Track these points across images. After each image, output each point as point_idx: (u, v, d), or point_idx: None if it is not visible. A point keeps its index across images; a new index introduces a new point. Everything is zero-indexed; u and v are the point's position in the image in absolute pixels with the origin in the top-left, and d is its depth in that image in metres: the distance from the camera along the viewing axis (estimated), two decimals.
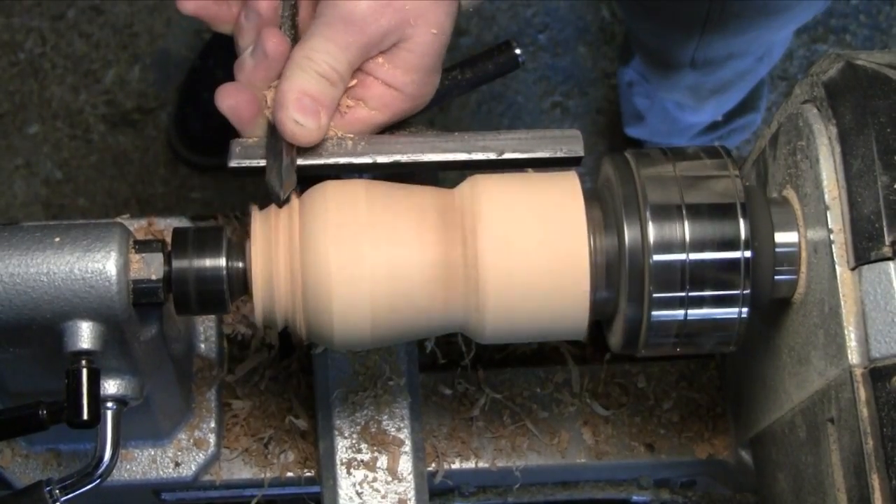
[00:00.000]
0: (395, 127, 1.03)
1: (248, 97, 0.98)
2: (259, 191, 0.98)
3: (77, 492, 0.96)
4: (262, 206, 0.98)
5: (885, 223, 0.90)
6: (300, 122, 0.95)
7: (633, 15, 1.82)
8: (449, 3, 0.98)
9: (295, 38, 1.01)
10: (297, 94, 0.95)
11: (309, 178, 0.99)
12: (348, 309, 0.94)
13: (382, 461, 1.16)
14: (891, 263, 0.90)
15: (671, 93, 1.96)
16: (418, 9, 0.96)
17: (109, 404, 0.99)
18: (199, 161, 2.40)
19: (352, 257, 0.93)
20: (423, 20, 0.97)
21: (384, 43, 0.97)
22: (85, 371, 0.92)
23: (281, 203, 0.97)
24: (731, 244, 0.94)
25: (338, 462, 1.16)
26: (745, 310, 0.96)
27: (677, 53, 1.76)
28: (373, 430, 1.17)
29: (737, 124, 2.14)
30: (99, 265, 0.92)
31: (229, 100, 0.98)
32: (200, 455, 1.19)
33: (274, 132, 0.97)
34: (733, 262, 0.94)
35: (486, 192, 0.96)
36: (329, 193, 0.96)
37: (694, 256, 0.94)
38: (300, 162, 0.98)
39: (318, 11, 0.97)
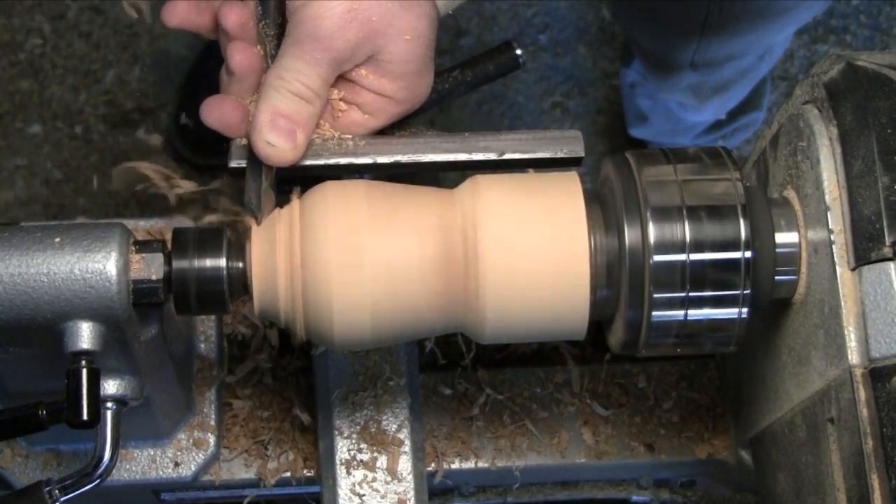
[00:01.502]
0: (394, 127, 1.03)
1: (232, 105, 0.98)
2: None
3: (76, 492, 0.96)
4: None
5: (885, 224, 0.90)
6: (272, 144, 0.95)
7: (631, 20, 1.81)
8: (421, 4, 0.97)
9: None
10: (271, 115, 0.95)
11: (309, 179, 0.99)
12: (348, 309, 0.93)
13: (382, 461, 1.16)
14: (891, 264, 0.90)
15: (672, 93, 1.96)
16: (385, 19, 0.95)
17: (109, 404, 0.99)
18: (199, 161, 2.39)
19: (352, 258, 0.93)
20: (394, 29, 0.96)
21: (357, 56, 0.97)
22: (85, 371, 0.92)
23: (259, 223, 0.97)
24: (732, 245, 0.94)
25: (337, 462, 1.16)
26: (745, 310, 0.96)
27: (677, 56, 1.75)
28: (372, 429, 1.17)
29: (740, 122, 2.13)
30: (99, 265, 0.92)
31: (215, 112, 0.98)
32: (200, 455, 1.19)
33: (253, 153, 0.98)
34: (734, 263, 0.94)
35: (486, 192, 0.96)
36: (329, 194, 0.96)
37: (694, 257, 0.94)
38: (303, 163, 0.98)
39: (286, 31, 0.97)
